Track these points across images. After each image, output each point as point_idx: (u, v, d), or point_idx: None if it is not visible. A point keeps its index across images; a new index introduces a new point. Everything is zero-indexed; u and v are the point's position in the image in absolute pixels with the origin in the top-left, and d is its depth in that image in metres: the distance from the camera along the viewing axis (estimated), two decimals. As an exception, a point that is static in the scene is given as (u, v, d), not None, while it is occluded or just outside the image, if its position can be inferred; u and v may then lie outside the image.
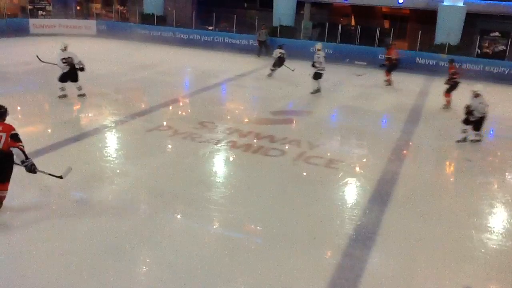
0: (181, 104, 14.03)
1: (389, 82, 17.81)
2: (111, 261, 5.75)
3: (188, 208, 7.23)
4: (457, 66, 15.25)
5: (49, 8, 28.06)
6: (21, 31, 25.09)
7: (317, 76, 15.34)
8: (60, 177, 7.07)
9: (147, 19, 26.99)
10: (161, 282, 5.39)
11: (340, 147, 10.97)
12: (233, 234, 6.58)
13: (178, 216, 7.07)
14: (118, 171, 8.59)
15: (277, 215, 7.19)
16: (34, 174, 6.65)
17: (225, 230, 6.75)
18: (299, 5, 26.07)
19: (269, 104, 14.01)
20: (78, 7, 30.20)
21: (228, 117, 12.55)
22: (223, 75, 18.19)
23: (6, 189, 6.61)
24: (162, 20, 27.08)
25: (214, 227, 6.88)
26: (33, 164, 6.57)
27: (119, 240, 6.21)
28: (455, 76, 14.41)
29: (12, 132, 6.48)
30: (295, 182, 8.54)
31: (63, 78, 12.82)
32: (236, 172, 8.98)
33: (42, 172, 6.86)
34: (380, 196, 8.09)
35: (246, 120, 12.25)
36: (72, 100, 13.19)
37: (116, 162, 9.04)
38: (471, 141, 11.28)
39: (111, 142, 10.25)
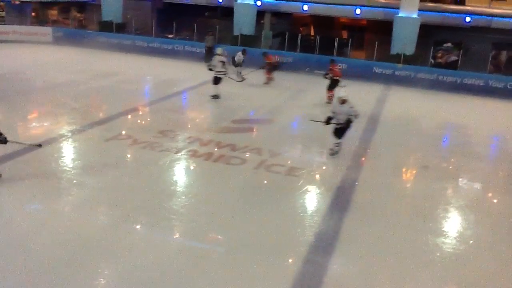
0: (141, 113, 13.84)
1: (268, 81, 19.00)
2: (70, 273, 5.59)
3: (148, 219, 7.12)
4: (337, 66, 16.82)
5: (2, 14, 27.16)
6: (-27, 37, 24.16)
7: (216, 80, 15.26)
8: (40, 145, 8.38)
9: (105, 26, 26.51)
10: (120, 295, 5.29)
11: (300, 155, 11.10)
12: (194, 244, 6.53)
13: (138, 227, 6.95)
14: (75, 181, 8.36)
15: (239, 224, 7.19)
16: None
17: (187, 240, 6.69)
18: (260, 15, 26.28)
19: (230, 112, 14.02)
20: (33, 14, 29.34)
21: (189, 126, 12.48)
22: (184, 83, 18.09)
23: None
24: (121, 28, 26.68)
25: (175, 237, 6.81)
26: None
27: (78, 252, 6.04)
28: (332, 73, 16.12)
29: None
30: (256, 190, 8.57)
31: None
32: (197, 181, 8.93)
33: (15, 142, 7.02)
34: (339, 203, 8.22)
35: (206, 128, 12.20)
36: (27, 109, 12.78)
37: (72, 172, 8.79)
38: (330, 150, 10.69)
39: (68, 152, 9.98)
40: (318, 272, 6.03)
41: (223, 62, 15.19)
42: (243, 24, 25.12)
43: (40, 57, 21.74)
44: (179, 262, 6.05)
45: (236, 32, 25.04)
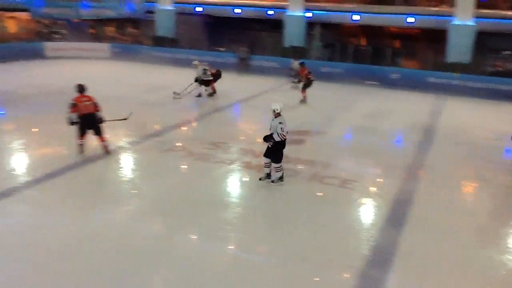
0: (194, 124, 14.13)
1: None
2: (124, 280, 5.75)
3: (202, 229, 7.22)
4: (308, 69, 17.50)
5: (63, 31, 28.66)
6: (37, 54, 25.54)
7: (204, 83, 17.39)
8: (125, 119, 10.78)
9: (159, 41, 27.40)
10: (178, 304, 5.38)
11: (354, 166, 10.91)
12: (246, 255, 6.55)
13: (193, 237, 7.07)
14: (132, 191, 8.64)
15: (292, 236, 7.15)
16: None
17: (239, 250, 6.72)
18: (310, 26, 26.30)
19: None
20: (92, 30, 30.75)
21: (241, 137, 12.60)
22: (235, 95, 18.32)
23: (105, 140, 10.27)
24: (174, 42, 27.47)
25: (228, 247, 6.85)
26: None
27: (133, 260, 6.21)
28: (309, 76, 17.19)
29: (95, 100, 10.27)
30: (310, 202, 8.51)
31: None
32: (250, 193, 8.96)
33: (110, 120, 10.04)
34: (396, 216, 8.02)
35: (259, 140, 12.26)
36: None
37: (130, 182, 9.09)
38: (271, 181, 9.11)
39: (126, 162, 10.32)
40: (375, 287, 5.89)
41: (205, 69, 17.35)
42: (293, 35, 25.23)
43: (97, 72, 22.68)
44: (231, 273, 6.08)
45: (286, 43, 25.17)
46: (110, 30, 31.22)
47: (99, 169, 9.74)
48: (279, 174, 9.04)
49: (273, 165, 8.96)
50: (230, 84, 19.43)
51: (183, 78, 21.98)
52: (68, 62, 24.75)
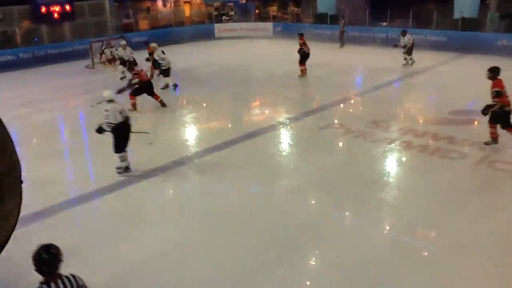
0: (353, 102, 13.98)
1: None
2: (283, 253, 6.02)
3: (359, 208, 7.20)
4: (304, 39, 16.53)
5: (231, 13, 30.51)
6: (208, 35, 27.71)
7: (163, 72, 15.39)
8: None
9: (320, 18, 27.44)
10: (329, 279, 5.50)
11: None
12: (405, 238, 6.36)
13: (350, 215, 7.11)
14: (291, 166, 8.98)
15: (454, 223, 6.71)
16: None
17: (397, 233, 6.54)
18: (484, -5, 23.74)
19: (448, 103, 13.03)
20: (256, 11, 32.13)
21: (402, 116, 12.09)
22: (397, 72, 17.54)
23: None
24: (334, 19, 27.25)
25: (386, 229, 6.74)
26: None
27: (291, 234, 6.47)
28: (303, 47, 16.31)
29: None
30: (477, 189, 7.87)
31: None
32: (411, 174, 8.63)
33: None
34: None
35: (421, 119, 11.65)
36: (249, 97, 14.14)
37: (290, 158, 9.44)
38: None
39: (285, 138, 10.72)
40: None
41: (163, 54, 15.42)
42: (464, 6, 23.03)
43: (261, 50, 23.73)
44: (388, 255, 5.97)
45: (456, 15, 23.15)
46: (273, 9, 32.22)
47: (259, 143, 10.27)
48: (122, 164, 8.56)
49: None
50: (395, 60, 18.66)
51: (343, 54, 21.85)
52: (235, 42, 26.34)
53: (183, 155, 9.56)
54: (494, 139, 9.15)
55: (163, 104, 12.98)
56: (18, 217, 3.49)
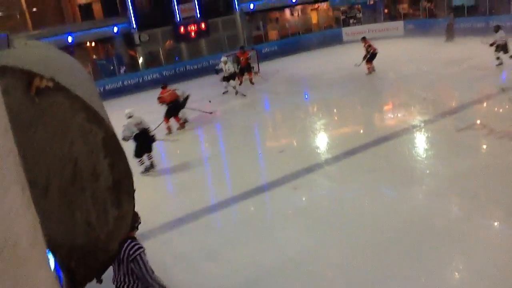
0: (497, 100, 12.81)
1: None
2: (416, 258, 5.79)
3: (505, 213, 6.62)
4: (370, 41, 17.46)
5: (359, 15, 29.98)
6: (336, 40, 27.59)
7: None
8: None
9: (457, 11, 25.63)
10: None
11: None
12: None
13: (495, 223, 6.57)
14: (427, 171, 8.56)
15: None
16: None
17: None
18: None
19: None
20: (385, 10, 31.11)
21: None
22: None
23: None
24: (473, 10, 25.27)
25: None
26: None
27: (427, 240, 6.20)
28: (370, 49, 17.24)
29: None
30: None
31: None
32: None
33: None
34: None
35: None
36: (381, 100, 13.75)
37: (425, 162, 9.02)
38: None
39: (420, 142, 10.26)
40: None
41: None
42: None
43: (391, 50, 22.91)
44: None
45: None
46: (403, 7, 30.93)
47: (392, 147, 9.97)
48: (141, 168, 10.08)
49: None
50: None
51: (483, 48, 20.15)
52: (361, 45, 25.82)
53: (313, 162, 9.67)
54: None
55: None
56: (132, 218, 3.99)
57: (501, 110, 11.97)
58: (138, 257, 4.30)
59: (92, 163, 3.43)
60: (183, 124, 13.49)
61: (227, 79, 17.04)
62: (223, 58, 17.40)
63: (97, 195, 3.53)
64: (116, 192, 3.62)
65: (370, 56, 17.30)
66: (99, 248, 3.76)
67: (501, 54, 15.61)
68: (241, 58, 19.21)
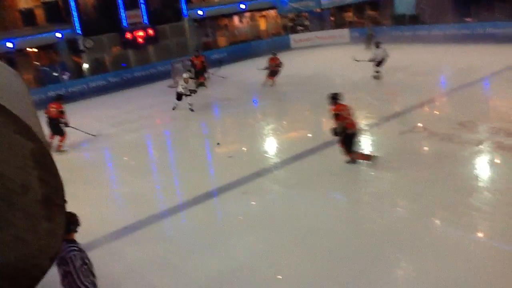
0: (437, 104, 13.36)
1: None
2: (368, 262, 5.92)
3: (448, 214, 6.86)
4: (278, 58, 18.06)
5: (306, 23, 30.53)
6: (284, 47, 27.88)
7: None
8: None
9: (399, 20, 26.62)
10: (419, 288, 5.29)
11: None
12: (503, 246, 5.94)
13: (438, 222, 6.78)
14: (372, 173, 8.75)
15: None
16: None
17: (493, 240, 6.15)
18: None
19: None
20: (332, 18, 31.84)
21: (491, 116, 11.35)
22: (485, 69, 16.47)
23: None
24: (414, 19, 26.30)
25: (479, 236, 6.36)
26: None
27: (377, 242, 6.34)
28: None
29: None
30: None
31: None
32: (502, 176, 8.06)
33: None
34: None
35: (513, 118, 10.87)
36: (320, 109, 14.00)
37: (371, 165, 9.20)
38: None
39: (366, 145, 10.46)
40: None
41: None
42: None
43: (338, 57, 23.43)
44: (484, 264, 5.62)
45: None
46: (348, 15, 31.76)
47: (337, 152, 10.12)
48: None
49: None
50: (481, 56, 17.60)
51: (424, 55, 21.03)
52: (311, 51, 26.30)
53: (262, 166, 9.68)
54: None
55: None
56: (64, 231, 3.85)
57: (440, 114, 12.46)
58: (69, 259, 4.16)
59: (21, 176, 3.27)
60: None
61: (181, 96, 15.58)
62: (185, 75, 15.85)
63: (27, 209, 3.36)
64: (47, 204, 3.46)
65: (272, 71, 17.93)
66: (31, 264, 3.58)
67: (379, 67, 16.67)
68: (195, 62, 19.33)
